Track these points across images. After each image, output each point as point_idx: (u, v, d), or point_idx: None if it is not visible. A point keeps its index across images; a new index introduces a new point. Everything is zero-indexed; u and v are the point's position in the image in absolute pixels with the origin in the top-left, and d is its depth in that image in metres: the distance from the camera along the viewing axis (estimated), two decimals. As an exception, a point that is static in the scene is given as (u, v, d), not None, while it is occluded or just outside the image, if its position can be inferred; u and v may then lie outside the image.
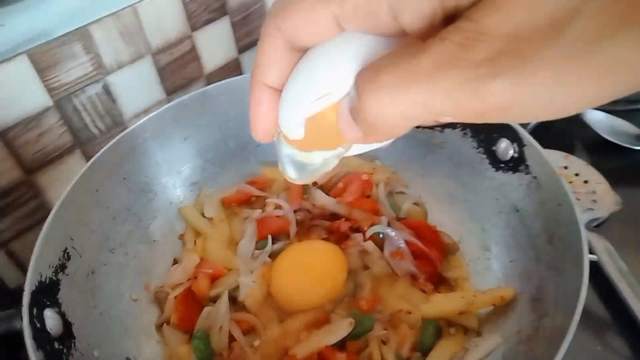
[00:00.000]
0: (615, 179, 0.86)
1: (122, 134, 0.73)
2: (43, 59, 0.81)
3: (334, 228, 0.77)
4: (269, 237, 0.74)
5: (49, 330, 0.54)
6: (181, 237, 0.80)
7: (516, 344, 0.61)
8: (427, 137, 0.84)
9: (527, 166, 0.69)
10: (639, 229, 0.82)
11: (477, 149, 0.78)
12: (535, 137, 0.68)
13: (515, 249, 0.70)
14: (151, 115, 0.77)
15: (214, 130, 0.85)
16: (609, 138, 0.94)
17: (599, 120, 0.97)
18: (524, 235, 0.69)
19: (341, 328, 0.60)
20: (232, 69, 1.15)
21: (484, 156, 0.77)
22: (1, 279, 0.85)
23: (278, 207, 0.79)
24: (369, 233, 0.74)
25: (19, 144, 0.84)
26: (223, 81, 0.83)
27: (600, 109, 0.98)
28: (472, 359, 0.60)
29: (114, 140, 0.72)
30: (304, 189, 0.83)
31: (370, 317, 0.63)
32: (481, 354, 0.61)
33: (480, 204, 0.78)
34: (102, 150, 0.71)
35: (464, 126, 0.79)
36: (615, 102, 1.01)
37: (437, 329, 0.64)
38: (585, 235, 0.57)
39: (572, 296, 0.52)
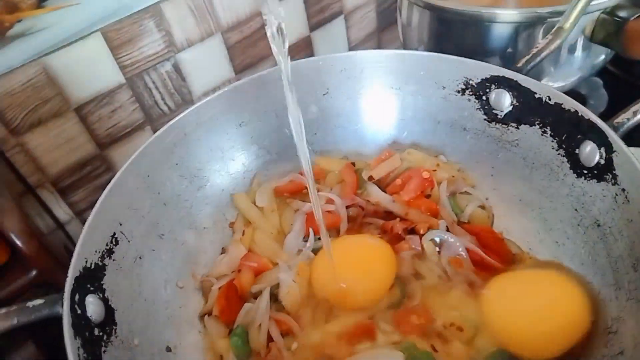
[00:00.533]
0: None
1: (173, 121, 0.72)
2: (116, 37, 0.82)
3: (387, 228, 0.71)
4: (311, 232, 0.70)
5: (89, 316, 0.55)
6: (231, 225, 0.78)
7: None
8: (500, 133, 0.76)
9: (614, 176, 0.59)
10: None
11: (557, 150, 0.69)
12: (627, 142, 0.58)
13: (592, 270, 0.61)
14: (205, 100, 0.75)
15: (271, 117, 0.82)
16: None
17: None
18: (604, 256, 0.60)
19: None
20: (303, 47, 1.12)
21: (565, 159, 0.68)
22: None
23: (330, 201, 0.75)
24: (426, 238, 0.68)
25: (93, 120, 0.88)
26: (281, 66, 0.79)
27: None
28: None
29: (165, 128, 0.71)
30: (359, 184, 0.78)
31: (427, 356, 0.57)
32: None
33: (556, 214, 0.69)
34: (153, 137, 0.71)
35: (543, 123, 0.70)
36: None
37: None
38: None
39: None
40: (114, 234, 0.64)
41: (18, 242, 0.62)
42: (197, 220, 0.76)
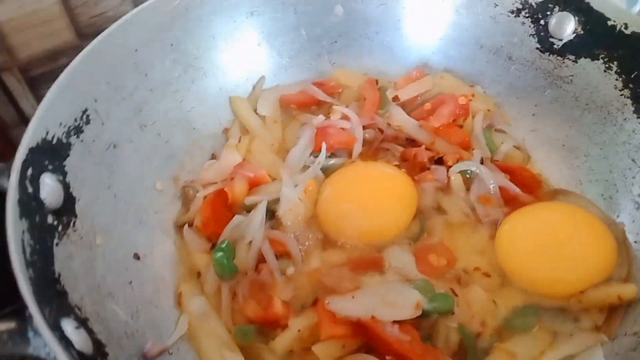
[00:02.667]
0: None
1: (175, -11, 0.59)
2: None
3: (409, 155, 0.61)
4: (324, 146, 0.59)
5: (42, 198, 0.44)
6: (225, 131, 0.67)
7: (627, 348, 0.46)
8: (553, 66, 0.65)
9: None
10: None
11: (620, 90, 0.59)
12: None
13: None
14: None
15: (288, 12, 0.69)
16: None
17: None
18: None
19: (403, 306, 0.45)
20: None
21: (629, 101, 0.58)
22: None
23: (345, 117, 0.64)
24: (454, 169, 0.58)
25: (77, 3, 0.75)
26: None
27: None
28: (564, 352, 0.45)
29: (163, -6, 0.58)
30: (381, 104, 0.67)
31: (447, 298, 0.48)
32: (575, 348, 0.46)
33: (606, 163, 0.59)
34: (148, 2, 0.58)
35: (610, 57, 0.59)
36: None
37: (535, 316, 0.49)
38: None
39: None
40: (86, 110, 0.52)
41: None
42: (187, 117, 0.64)
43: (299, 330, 0.46)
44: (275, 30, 0.70)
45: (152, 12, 0.59)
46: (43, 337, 0.33)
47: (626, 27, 0.57)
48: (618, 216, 0.56)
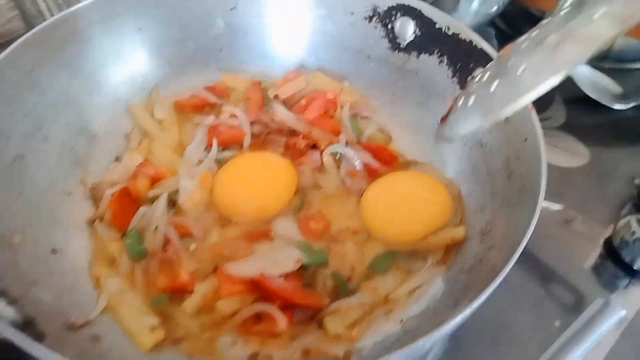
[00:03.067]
0: (586, 136, 0.85)
1: (64, 12, 0.66)
2: None
3: (290, 144, 0.72)
4: (214, 142, 0.69)
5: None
6: (126, 136, 0.74)
7: (458, 272, 0.60)
8: (402, 61, 0.79)
9: (499, 99, 0.65)
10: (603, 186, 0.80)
11: (451, 78, 0.74)
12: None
13: (473, 182, 0.68)
14: (101, -4, 0.69)
15: (173, 26, 0.78)
16: (590, 94, 0.90)
17: (582, 75, 0.93)
18: (484, 172, 0.66)
19: (287, 262, 0.57)
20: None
21: (458, 86, 0.73)
22: None
23: (234, 116, 0.74)
24: (327, 152, 0.70)
25: None
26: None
27: (588, 63, 0.94)
28: (414, 283, 0.59)
29: (54, 18, 0.65)
30: (264, 102, 0.78)
31: (321, 253, 0.60)
32: (423, 279, 0.60)
33: (446, 137, 0.75)
34: (40, 27, 0.64)
35: (441, 52, 0.74)
36: (603, 59, 1.00)
37: (392, 259, 0.62)
38: (545, 172, 0.54)
39: (520, 230, 0.50)
40: (-12, 127, 0.58)
41: None
42: (88, 126, 0.71)
43: (203, 293, 0.56)
44: (163, 43, 0.78)
45: (45, 34, 0.64)
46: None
47: (448, 29, 0.72)
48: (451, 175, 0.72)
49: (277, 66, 0.84)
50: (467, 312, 0.42)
